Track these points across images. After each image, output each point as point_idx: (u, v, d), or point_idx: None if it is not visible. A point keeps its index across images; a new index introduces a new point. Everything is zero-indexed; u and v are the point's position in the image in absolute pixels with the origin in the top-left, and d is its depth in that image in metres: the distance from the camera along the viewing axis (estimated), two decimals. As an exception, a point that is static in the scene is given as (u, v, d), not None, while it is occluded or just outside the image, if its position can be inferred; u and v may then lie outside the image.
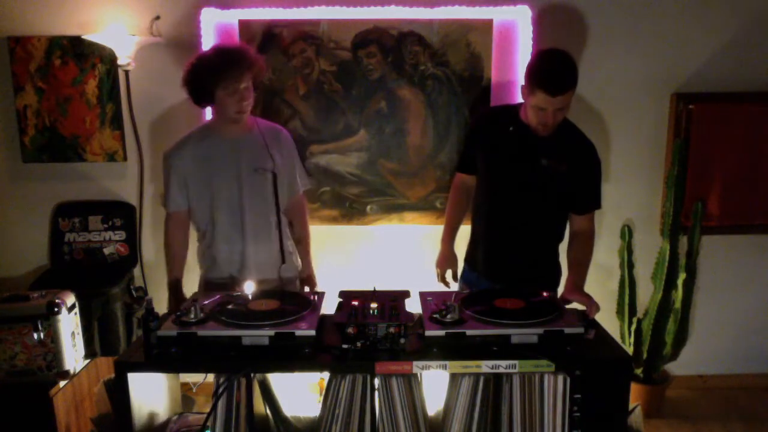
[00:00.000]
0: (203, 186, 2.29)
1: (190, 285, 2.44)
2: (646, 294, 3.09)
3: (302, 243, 2.51)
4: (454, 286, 2.48)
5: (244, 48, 2.27)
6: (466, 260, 2.49)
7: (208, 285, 2.36)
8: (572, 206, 2.25)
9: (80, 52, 2.91)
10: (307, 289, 2.46)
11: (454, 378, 1.66)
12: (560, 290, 2.25)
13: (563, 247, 2.36)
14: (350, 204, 3.06)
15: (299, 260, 2.51)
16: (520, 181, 2.23)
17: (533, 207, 2.24)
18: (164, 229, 2.39)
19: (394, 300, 1.74)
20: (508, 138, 2.23)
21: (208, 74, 2.17)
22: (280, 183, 2.34)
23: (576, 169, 2.18)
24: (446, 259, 2.44)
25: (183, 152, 2.30)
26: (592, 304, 1.89)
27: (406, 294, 1.82)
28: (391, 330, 1.61)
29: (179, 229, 2.37)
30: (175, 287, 2.36)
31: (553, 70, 2.04)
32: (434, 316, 1.67)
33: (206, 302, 1.79)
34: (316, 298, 1.84)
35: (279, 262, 2.36)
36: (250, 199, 2.29)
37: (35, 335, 2.31)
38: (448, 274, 2.45)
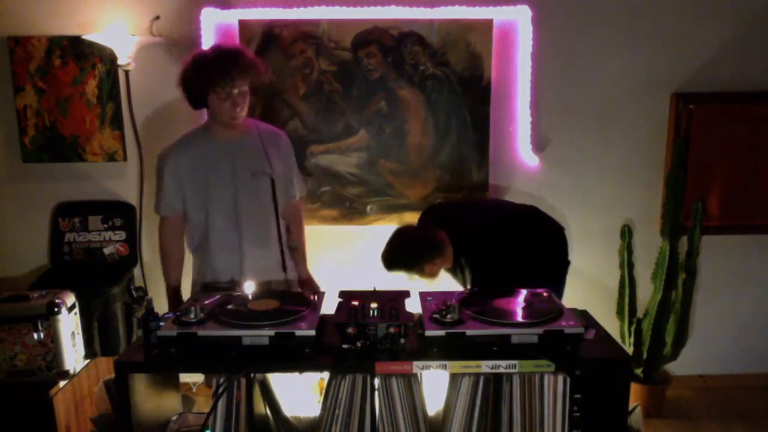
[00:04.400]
0: (199, 189, 2.23)
1: (185, 292, 2.42)
2: (646, 294, 3.09)
3: (298, 248, 2.47)
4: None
5: (240, 52, 2.18)
6: None
7: (205, 290, 2.31)
8: None
9: (80, 52, 2.92)
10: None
11: (454, 378, 1.66)
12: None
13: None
14: (350, 204, 3.06)
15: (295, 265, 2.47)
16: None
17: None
18: (159, 235, 2.32)
19: (394, 300, 1.74)
20: None
21: (200, 79, 2.12)
22: (278, 187, 2.30)
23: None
24: None
25: (179, 154, 2.24)
26: None
27: (406, 294, 1.81)
28: (391, 330, 1.61)
29: (175, 234, 2.31)
30: (174, 294, 2.34)
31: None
32: (434, 316, 1.67)
33: (206, 302, 1.79)
34: (316, 298, 1.84)
35: (279, 267, 2.32)
36: (248, 203, 2.25)
37: (35, 335, 2.31)
38: None
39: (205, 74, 2.11)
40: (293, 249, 2.46)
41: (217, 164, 2.23)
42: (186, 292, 2.40)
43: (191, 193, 2.24)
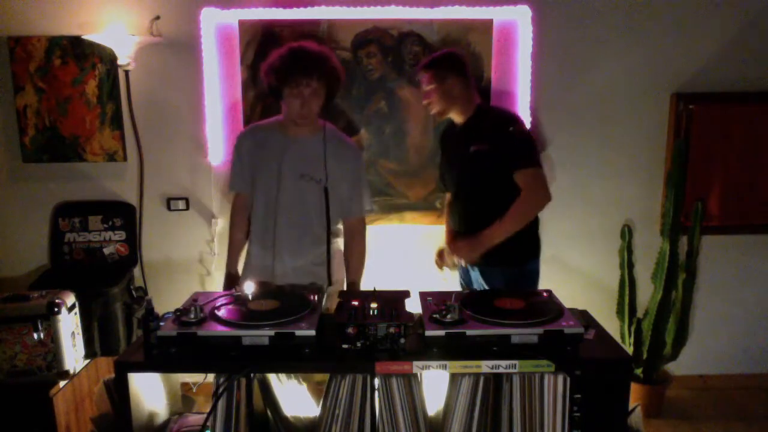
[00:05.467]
0: (250, 175, 2.27)
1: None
2: (646, 294, 3.09)
3: (351, 269, 2.31)
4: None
5: (322, 53, 2.16)
6: None
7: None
8: (505, 174, 2.33)
9: (80, 52, 2.91)
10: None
11: (454, 378, 1.66)
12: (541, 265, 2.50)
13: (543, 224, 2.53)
14: (350, 204, 3.05)
15: (334, 273, 2.31)
16: (463, 175, 2.44)
17: (485, 192, 2.39)
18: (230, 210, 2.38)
19: (394, 300, 1.74)
20: (452, 144, 2.52)
21: (277, 71, 2.13)
22: (332, 198, 2.21)
23: (495, 142, 2.32)
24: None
25: (246, 136, 2.30)
26: (451, 254, 2.38)
27: (406, 294, 1.81)
28: (391, 330, 1.61)
29: (238, 213, 2.35)
30: (228, 280, 2.32)
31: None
32: (434, 316, 1.67)
33: (206, 302, 1.79)
34: (315, 298, 1.84)
35: (311, 277, 2.22)
36: (289, 205, 2.20)
37: (35, 335, 2.31)
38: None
39: (282, 68, 2.11)
40: (346, 269, 2.33)
41: (267, 157, 2.23)
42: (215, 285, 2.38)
43: (251, 177, 2.28)
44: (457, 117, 2.45)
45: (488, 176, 2.35)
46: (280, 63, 2.12)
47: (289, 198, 2.20)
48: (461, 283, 2.62)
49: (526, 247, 2.44)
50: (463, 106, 2.41)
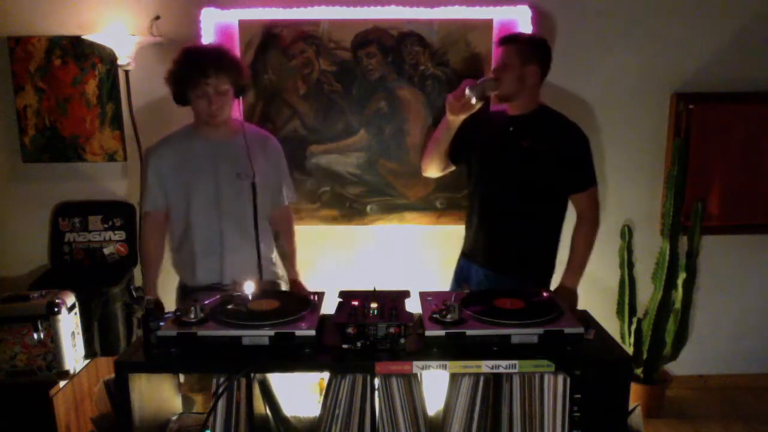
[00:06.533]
0: (181, 188, 2.24)
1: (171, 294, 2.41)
2: (646, 294, 3.09)
3: (287, 258, 2.42)
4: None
5: (217, 50, 2.19)
6: (464, 253, 2.52)
7: (185, 292, 2.31)
8: (563, 186, 2.27)
9: (80, 52, 2.92)
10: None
11: (454, 378, 1.66)
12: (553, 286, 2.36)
13: (563, 247, 2.38)
14: (350, 204, 3.06)
15: (282, 270, 2.43)
16: (504, 165, 2.30)
17: (521, 190, 2.29)
18: (140, 231, 2.33)
19: (394, 300, 1.74)
20: (493, 128, 2.36)
21: (178, 75, 2.14)
22: (261, 192, 2.24)
23: (558, 147, 2.22)
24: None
25: (163, 150, 2.26)
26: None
27: (406, 294, 1.81)
28: (391, 330, 1.61)
29: (154, 231, 2.32)
30: (157, 307, 2.32)
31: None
32: (434, 316, 1.67)
33: (206, 302, 1.79)
34: (316, 298, 1.84)
35: (257, 273, 2.27)
36: (229, 205, 2.23)
37: (35, 335, 2.31)
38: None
39: (182, 70, 2.13)
40: (283, 258, 2.41)
41: (200, 164, 2.23)
42: (172, 295, 2.39)
43: (173, 192, 2.25)
44: (515, 109, 2.31)
45: (541, 175, 2.26)
46: (177, 67, 2.14)
47: (230, 200, 2.22)
48: (454, 281, 2.57)
49: (547, 265, 2.38)
50: (528, 100, 2.29)
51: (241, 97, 2.29)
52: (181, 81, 2.14)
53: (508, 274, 2.33)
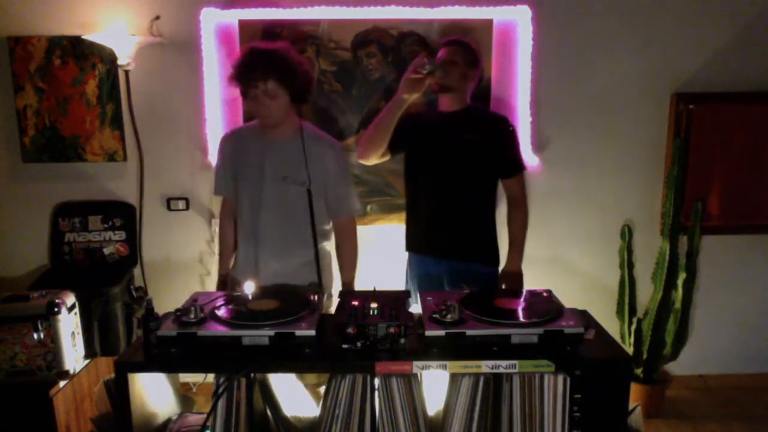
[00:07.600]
0: (230, 179, 2.29)
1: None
2: (646, 294, 3.09)
3: (344, 269, 2.32)
4: None
5: (275, 53, 2.09)
6: (414, 248, 2.64)
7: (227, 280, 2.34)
8: (496, 172, 2.49)
9: (80, 52, 2.91)
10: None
11: (454, 378, 1.66)
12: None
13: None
14: (350, 204, 3.05)
15: (324, 275, 2.31)
16: (443, 156, 2.46)
17: (460, 178, 2.46)
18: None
19: (394, 300, 1.74)
20: (429, 122, 2.55)
21: (233, 74, 2.12)
22: (316, 199, 2.19)
23: (488, 138, 2.43)
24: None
25: (227, 140, 2.31)
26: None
27: (406, 294, 1.82)
28: (391, 330, 1.61)
29: (226, 217, 2.37)
30: (221, 282, 2.35)
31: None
32: (434, 316, 1.67)
33: (206, 302, 1.79)
34: (315, 298, 1.84)
35: (297, 279, 2.20)
36: (271, 209, 2.18)
37: (35, 335, 2.31)
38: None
39: (237, 70, 2.11)
40: (341, 269, 2.34)
41: (248, 160, 2.22)
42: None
43: (229, 181, 2.30)
44: (451, 104, 2.48)
45: (476, 164, 2.44)
46: (235, 65, 2.12)
47: (272, 200, 2.19)
48: (411, 279, 2.66)
49: (494, 246, 2.55)
50: (463, 96, 2.48)
51: (301, 104, 2.22)
52: (238, 80, 2.11)
53: (465, 260, 2.47)
